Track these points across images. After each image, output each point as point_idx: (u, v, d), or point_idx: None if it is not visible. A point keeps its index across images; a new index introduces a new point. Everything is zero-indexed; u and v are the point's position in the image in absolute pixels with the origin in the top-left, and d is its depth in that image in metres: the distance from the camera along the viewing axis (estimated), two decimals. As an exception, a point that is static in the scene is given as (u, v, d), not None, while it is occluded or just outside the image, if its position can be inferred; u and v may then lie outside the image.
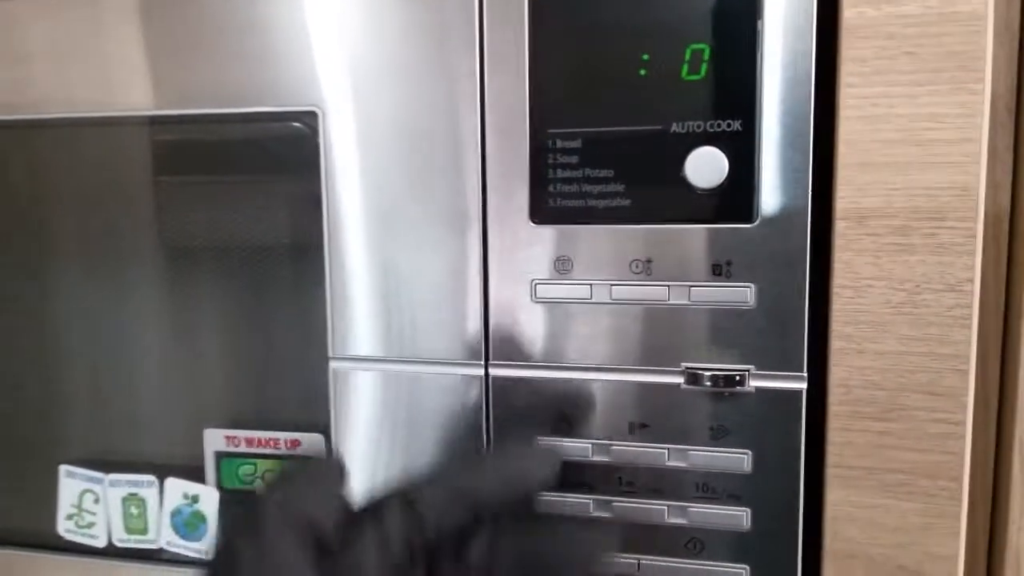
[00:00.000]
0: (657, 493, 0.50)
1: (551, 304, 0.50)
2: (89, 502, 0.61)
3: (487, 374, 0.52)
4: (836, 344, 0.46)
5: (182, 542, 0.59)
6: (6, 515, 0.64)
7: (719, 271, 0.47)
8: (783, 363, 0.47)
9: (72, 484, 0.61)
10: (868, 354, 0.46)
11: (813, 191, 0.46)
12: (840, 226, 0.45)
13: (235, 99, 0.54)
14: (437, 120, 0.51)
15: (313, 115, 0.53)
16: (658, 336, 0.49)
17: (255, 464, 0.57)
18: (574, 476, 0.51)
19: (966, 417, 0.45)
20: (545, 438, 0.51)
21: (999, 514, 0.49)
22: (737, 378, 0.48)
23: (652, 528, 0.50)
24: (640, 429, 0.50)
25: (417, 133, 0.51)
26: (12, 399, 0.63)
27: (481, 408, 0.52)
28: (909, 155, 0.44)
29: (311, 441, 0.56)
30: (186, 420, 0.59)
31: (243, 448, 0.57)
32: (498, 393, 0.52)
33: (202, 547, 0.59)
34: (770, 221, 0.47)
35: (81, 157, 0.59)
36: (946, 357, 0.45)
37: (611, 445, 0.50)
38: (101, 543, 0.61)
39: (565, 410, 0.51)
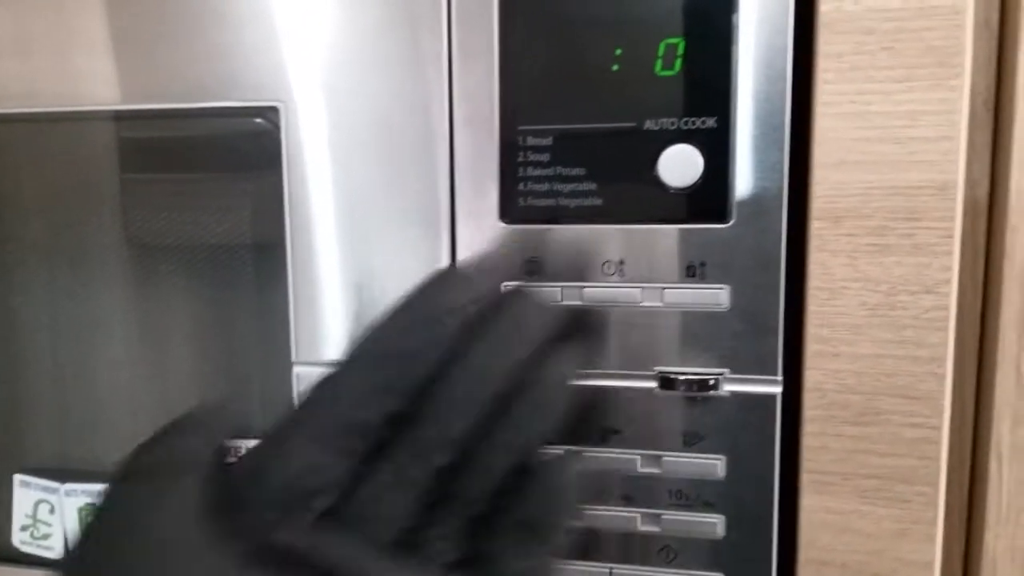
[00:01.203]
0: (629, 500, 0.49)
1: (521, 306, 0.49)
2: (44, 512, 0.59)
3: (455, 378, 0.51)
4: (811, 347, 0.45)
5: (140, 552, 0.57)
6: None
7: (693, 272, 0.46)
8: (758, 366, 0.46)
9: (27, 494, 0.59)
10: (844, 357, 0.45)
11: (789, 190, 0.45)
12: (815, 226, 0.44)
13: (199, 93, 0.53)
14: (405, 116, 0.49)
15: (275, 110, 0.51)
16: (630, 339, 0.48)
17: (216, 471, 0.55)
18: (544, 483, 0.50)
19: (943, 422, 0.45)
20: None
21: (975, 520, 0.49)
22: (711, 382, 0.47)
23: (624, 536, 0.49)
24: (612, 435, 0.49)
25: (385, 129, 0.50)
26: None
27: (449, 413, 0.51)
28: (886, 153, 0.43)
29: (274, 447, 0.54)
30: (147, 426, 0.57)
31: (203, 455, 0.56)
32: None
33: (161, 557, 0.57)
34: (745, 221, 0.46)
35: (42, 153, 0.57)
36: (923, 360, 0.44)
37: (583, 451, 0.49)
38: (57, 554, 0.60)
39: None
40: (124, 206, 0.56)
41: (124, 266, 0.57)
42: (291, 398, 0.53)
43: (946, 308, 0.44)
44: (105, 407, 0.59)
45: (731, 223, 0.46)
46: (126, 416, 0.58)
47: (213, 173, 0.54)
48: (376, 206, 0.50)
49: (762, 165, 0.45)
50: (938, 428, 0.45)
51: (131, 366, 0.58)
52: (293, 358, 0.53)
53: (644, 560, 0.49)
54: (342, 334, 0.52)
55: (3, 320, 0.60)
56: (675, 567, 0.49)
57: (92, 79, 0.54)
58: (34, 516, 0.59)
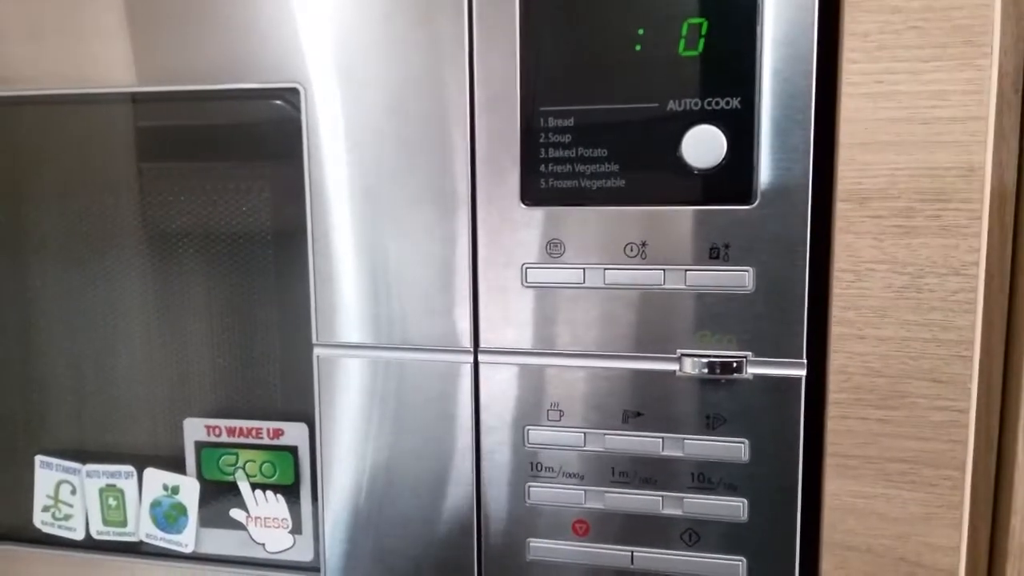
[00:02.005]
0: (651, 483, 0.49)
1: (543, 289, 0.49)
2: (66, 493, 0.59)
3: (476, 361, 0.50)
4: (836, 330, 0.45)
5: (162, 534, 0.58)
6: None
7: (716, 254, 0.46)
8: (782, 349, 0.46)
9: (48, 475, 0.60)
10: (869, 340, 0.45)
11: (814, 171, 0.45)
12: (841, 208, 0.44)
13: (216, 75, 0.52)
14: (425, 98, 0.49)
15: (295, 92, 0.51)
16: (653, 322, 0.48)
17: (236, 454, 0.56)
18: (567, 466, 0.50)
19: (970, 405, 0.44)
20: (536, 427, 0.50)
21: (1002, 504, 0.48)
22: (734, 365, 0.46)
23: (646, 519, 0.49)
24: (634, 418, 0.48)
25: (405, 111, 0.49)
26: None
27: (470, 397, 0.51)
28: (913, 134, 0.43)
29: (295, 430, 0.54)
30: (166, 409, 0.58)
31: (224, 438, 0.56)
32: (488, 381, 0.50)
33: (183, 539, 0.57)
34: (769, 203, 0.45)
35: (58, 138, 0.57)
36: (949, 343, 0.44)
37: (604, 434, 0.49)
38: (79, 535, 0.60)
39: (557, 398, 0.49)
40: (142, 191, 0.56)
41: (142, 252, 0.57)
42: (311, 380, 0.53)
43: (973, 290, 0.43)
44: (124, 392, 0.59)
45: (755, 205, 0.45)
46: (145, 400, 0.58)
47: (232, 157, 0.54)
48: (396, 189, 0.50)
49: (787, 146, 0.45)
50: (965, 411, 0.44)
51: (150, 350, 0.58)
52: (314, 340, 0.53)
53: (666, 544, 0.49)
54: (361, 317, 0.52)
55: (22, 306, 0.60)
56: (697, 550, 0.49)
57: (106, 62, 0.54)
58: (55, 497, 0.60)
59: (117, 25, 0.53)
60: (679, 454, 0.48)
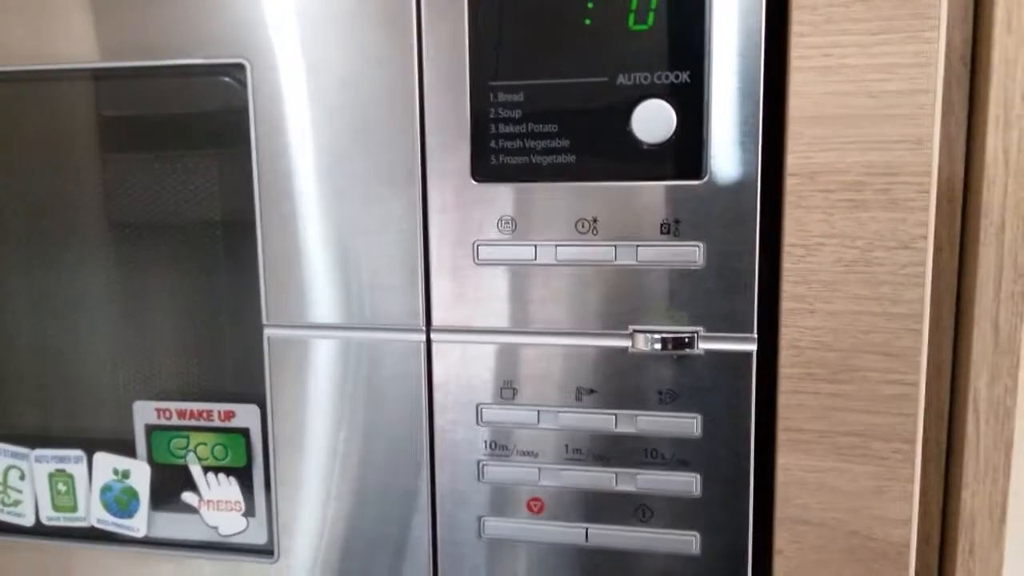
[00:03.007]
0: (605, 460, 0.49)
1: (495, 266, 0.48)
2: (15, 479, 0.58)
3: (428, 340, 0.50)
4: (787, 304, 0.45)
5: (113, 519, 0.57)
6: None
7: (667, 230, 0.46)
8: (733, 324, 0.46)
9: (-4, 460, 0.59)
10: (820, 314, 0.45)
11: (764, 146, 0.44)
12: (791, 182, 0.44)
13: (166, 50, 0.51)
14: (373, 74, 0.48)
15: (241, 68, 0.50)
16: (605, 298, 0.47)
17: (187, 437, 0.55)
18: (521, 444, 0.49)
19: (919, 378, 0.44)
20: (489, 406, 0.49)
21: (953, 477, 0.49)
22: (686, 340, 0.46)
23: (600, 496, 0.49)
24: (588, 395, 0.48)
25: (353, 87, 0.49)
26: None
27: (423, 376, 0.50)
28: (862, 107, 0.43)
29: (246, 412, 0.54)
30: (116, 393, 0.57)
31: (175, 420, 0.55)
32: (440, 360, 0.50)
33: (134, 524, 0.56)
34: (720, 178, 0.45)
35: (14, 117, 0.56)
36: (899, 317, 0.44)
37: (558, 412, 0.49)
38: (28, 521, 0.59)
39: (510, 377, 0.49)
40: (96, 171, 0.55)
41: (92, 235, 0.56)
42: (262, 360, 0.52)
43: (922, 264, 0.43)
44: (73, 376, 0.58)
45: (706, 179, 0.45)
46: (94, 383, 0.57)
47: (180, 137, 0.53)
48: (347, 166, 0.50)
49: (737, 120, 0.45)
50: (915, 384, 0.44)
51: (100, 334, 0.57)
52: (264, 321, 0.52)
53: (620, 520, 0.49)
54: (314, 297, 0.51)
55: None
56: (651, 526, 0.49)
57: (63, 35, 0.53)
58: (4, 483, 0.59)
59: (76, 3, 0.52)
60: (632, 430, 0.48)
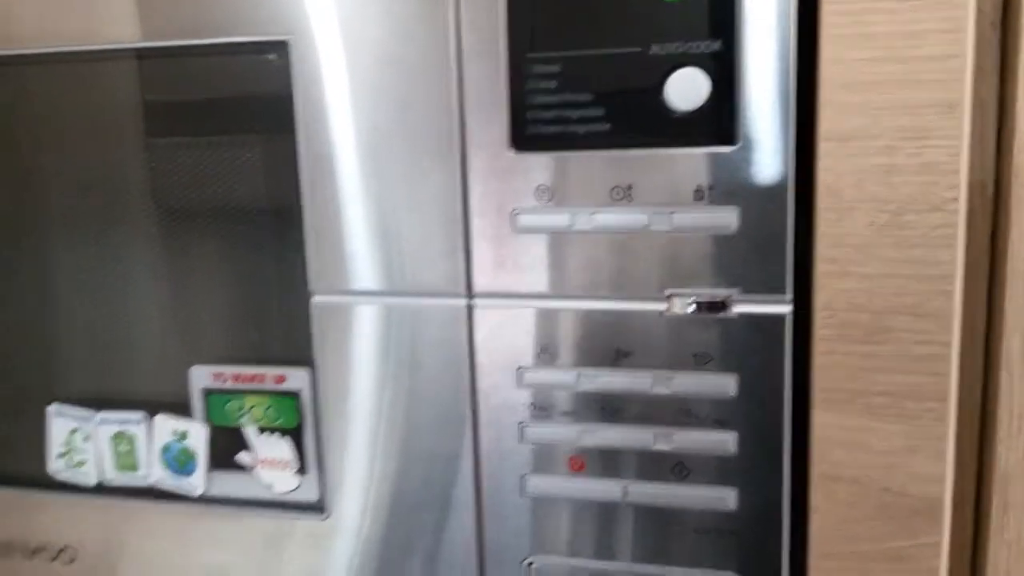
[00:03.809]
0: (643, 420, 0.50)
1: (533, 233, 0.50)
2: (79, 440, 0.61)
3: (470, 306, 0.51)
4: (820, 267, 0.46)
5: (172, 478, 0.59)
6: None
7: (701, 195, 0.47)
8: (767, 287, 0.47)
9: (61, 423, 0.61)
10: (853, 277, 0.45)
11: (796, 112, 0.45)
12: (823, 147, 0.45)
13: (211, 30, 0.53)
14: (413, 46, 0.50)
15: (284, 45, 0.51)
16: (641, 263, 0.48)
17: (242, 399, 0.57)
18: (561, 405, 0.51)
19: (952, 338, 0.45)
20: (529, 369, 0.51)
21: (988, 434, 0.49)
22: (721, 303, 0.47)
23: (638, 454, 0.50)
24: (624, 357, 0.50)
25: (394, 60, 0.50)
26: (2, 341, 0.63)
27: (465, 341, 0.52)
28: (893, 73, 0.43)
29: (296, 375, 0.56)
30: (174, 359, 0.59)
31: (230, 384, 0.57)
32: (481, 325, 0.52)
33: (192, 482, 0.59)
34: (753, 143, 0.46)
35: (60, 98, 0.58)
36: (931, 278, 0.45)
37: (596, 374, 0.50)
38: (92, 481, 0.62)
39: (549, 340, 0.50)
40: (147, 150, 0.57)
41: (150, 208, 0.58)
42: (309, 327, 0.54)
43: (954, 226, 0.44)
44: (133, 343, 0.60)
45: (739, 145, 0.46)
46: (153, 350, 0.60)
47: (230, 111, 0.55)
48: (389, 138, 0.51)
49: (769, 87, 0.45)
50: (947, 344, 0.45)
51: (159, 303, 0.59)
52: (311, 289, 0.54)
53: (658, 477, 0.50)
54: (359, 266, 0.53)
55: (36, 261, 0.61)
56: (688, 484, 0.50)
57: (109, 18, 0.54)
58: (69, 444, 0.61)
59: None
60: (668, 391, 0.49)
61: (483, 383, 0.52)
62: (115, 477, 0.61)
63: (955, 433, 0.47)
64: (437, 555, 0.55)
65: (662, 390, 0.49)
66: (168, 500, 0.60)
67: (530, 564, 0.53)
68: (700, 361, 0.48)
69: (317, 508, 0.57)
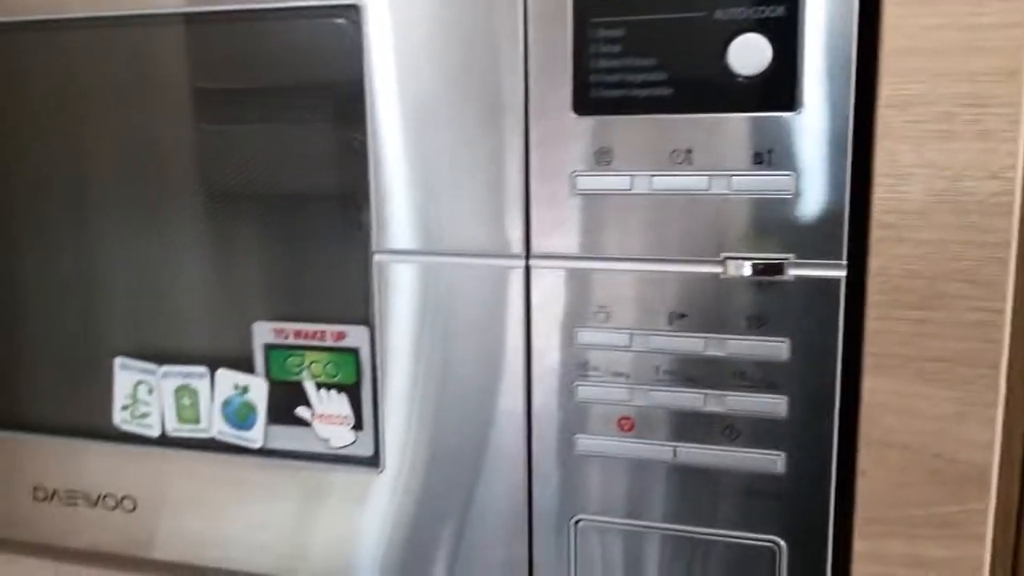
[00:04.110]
0: (694, 382, 0.51)
1: (591, 196, 0.51)
2: (143, 393, 0.63)
3: (528, 267, 0.53)
4: (876, 233, 0.46)
5: (233, 431, 0.61)
6: (67, 407, 0.67)
7: (760, 160, 0.48)
8: (823, 252, 0.48)
9: (126, 376, 0.63)
10: (908, 242, 0.46)
11: (856, 78, 0.46)
12: (883, 113, 0.45)
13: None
14: (476, 10, 0.51)
15: (356, 9, 0.53)
16: (698, 226, 0.49)
17: (303, 355, 0.59)
18: (613, 365, 0.52)
19: (1005, 306, 0.46)
20: (584, 328, 0.52)
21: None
22: (776, 267, 0.48)
23: (689, 416, 0.51)
24: (679, 319, 0.50)
25: (455, 24, 0.51)
26: (69, 297, 0.65)
27: (521, 301, 0.53)
28: (953, 40, 0.44)
29: (356, 332, 0.57)
30: (236, 315, 0.60)
31: (291, 340, 0.59)
32: (538, 285, 0.53)
33: (252, 436, 0.60)
34: (813, 109, 0.46)
35: (113, 62, 0.60)
36: (987, 245, 0.45)
37: (650, 335, 0.51)
38: (155, 433, 0.63)
39: (604, 301, 0.51)
40: (200, 114, 0.58)
41: (208, 169, 0.59)
42: (370, 285, 0.56)
43: (1011, 194, 0.44)
44: (196, 300, 0.62)
45: (799, 111, 0.47)
46: (216, 307, 0.61)
47: (293, 75, 0.56)
48: (449, 101, 0.52)
49: (830, 53, 0.46)
50: (1000, 312, 0.46)
51: (221, 261, 0.61)
52: (373, 247, 0.55)
53: (708, 439, 0.51)
54: (416, 226, 0.54)
55: (101, 223, 0.63)
56: (738, 446, 0.51)
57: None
58: (134, 396, 0.63)
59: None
60: (721, 354, 0.50)
61: (537, 342, 0.53)
62: (177, 429, 0.63)
63: (1004, 400, 0.47)
64: (485, 511, 0.56)
65: (715, 352, 0.50)
66: (228, 452, 0.62)
67: (577, 522, 0.54)
68: (754, 324, 0.49)
69: (372, 463, 0.58)
